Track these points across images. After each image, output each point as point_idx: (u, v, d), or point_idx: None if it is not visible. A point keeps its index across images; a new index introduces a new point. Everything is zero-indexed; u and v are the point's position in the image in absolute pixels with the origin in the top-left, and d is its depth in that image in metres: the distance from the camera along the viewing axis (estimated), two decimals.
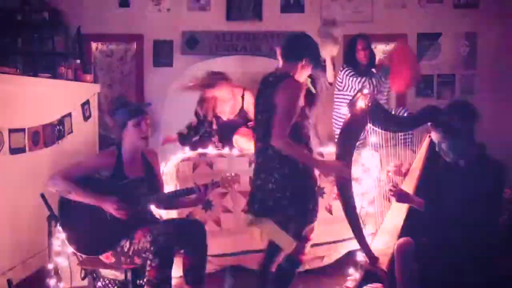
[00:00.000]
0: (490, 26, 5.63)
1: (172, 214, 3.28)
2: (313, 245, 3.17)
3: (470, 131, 2.57)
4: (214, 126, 4.13)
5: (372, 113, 2.72)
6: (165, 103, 5.27)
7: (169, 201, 2.94)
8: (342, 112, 3.87)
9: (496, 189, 2.56)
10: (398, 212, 2.89)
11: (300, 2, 5.66)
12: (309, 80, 2.82)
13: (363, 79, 4.02)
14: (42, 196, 2.75)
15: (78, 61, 4.48)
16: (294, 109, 2.59)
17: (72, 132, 3.91)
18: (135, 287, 2.74)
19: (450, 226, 2.53)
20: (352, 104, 2.73)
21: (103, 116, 4.46)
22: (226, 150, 3.64)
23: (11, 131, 3.20)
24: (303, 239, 2.76)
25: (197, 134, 4.14)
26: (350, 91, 4.04)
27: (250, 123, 4.00)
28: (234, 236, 3.49)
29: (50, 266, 2.85)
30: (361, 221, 2.87)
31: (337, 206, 3.19)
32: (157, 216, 3.04)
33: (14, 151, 3.23)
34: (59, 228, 2.74)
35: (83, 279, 2.83)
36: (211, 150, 3.62)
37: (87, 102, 4.20)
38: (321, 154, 3.31)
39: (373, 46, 4.40)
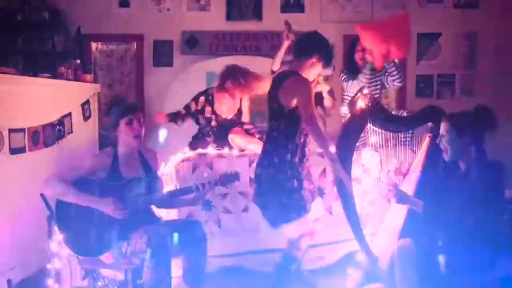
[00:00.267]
0: (490, 26, 5.63)
1: (173, 214, 3.28)
2: (313, 245, 3.18)
3: (482, 139, 2.56)
4: (213, 123, 4.15)
5: (372, 113, 2.72)
6: (165, 103, 5.28)
7: (168, 201, 2.93)
8: (342, 111, 3.87)
9: (496, 189, 2.56)
10: (398, 213, 2.89)
11: (300, 2, 5.67)
12: (321, 79, 2.86)
13: (353, 81, 4.04)
14: (42, 196, 2.74)
15: (78, 61, 4.47)
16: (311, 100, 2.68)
17: (72, 132, 3.90)
18: (135, 287, 2.74)
19: (449, 227, 2.53)
20: (352, 104, 2.73)
21: (103, 116, 4.46)
22: (226, 150, 3.64)
23: (11, 131, 3.20)
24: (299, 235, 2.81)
25: (183, 122, 4.21)
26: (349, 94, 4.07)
27: (245, 126, 4.05)
28: (234, 237, 3.49)
29: (50, 266, 2.85)
30: (361, 221, 2.87)
31: (337, 206, 3.19)
32: (158, 217, 3.03)
33: (14, 151, 3.23)
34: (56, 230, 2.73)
35: (83, 279, 2.83)
36: (211, 150, 3.62)
37: (87, 102, 4.19)
38: (321, 155, 3.32)
39: None
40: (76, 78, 4.21)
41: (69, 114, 3.89)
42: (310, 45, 2.82)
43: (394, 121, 2.91)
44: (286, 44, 3.49)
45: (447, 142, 2.57)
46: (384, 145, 3.00)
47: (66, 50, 5.38)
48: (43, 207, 2.75)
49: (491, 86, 5.57)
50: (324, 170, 3.52)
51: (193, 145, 3.91)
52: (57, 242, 2.82)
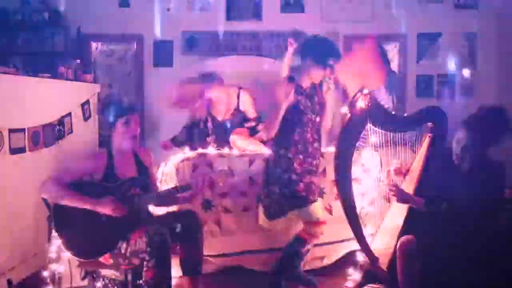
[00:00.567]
0: (490, 26, 5.63)
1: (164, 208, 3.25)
2: (313, 245, 3.19)
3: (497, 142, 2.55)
4: (210, 124, 4.13)
5: (372, 113, 2.72)
6: (165, 103, 5.27)
7: (162, 200, 2.90)
8: (342, 111, 3.87)
9: (496, 189, 2.56)
10: (398, 212, 2.89)
11: (300, 2, 5.66)
12: (326, 79, 2.92)
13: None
14: (44, 198, 2.74)
15: (78, 61, 4.48)
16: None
17: (72, 132, 3.90)
18: (135, 287, 2.74)
19: (450, 226, 2.53)
20: (352, 104, 2.73)
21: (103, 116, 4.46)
22: (226, 150, 3.63)
23: (11, 131, 3.20)
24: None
25: (191, 134, 4.19)
26: None
27: (247, 124, 4.02)
28: (234, 236, 3.49)
29: (50, 267, 2.84)
30: (361, 221, 2.87)
31: (337, 206, 3.19)
32: (154, 214, 3.00)
33: (14, 151, 3.23)
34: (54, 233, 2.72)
35: (83, 279, 2.82)
36: (211, 150, 3.61)
37: (87, 102, 4.19)
38: (322, 155, 3.32)
39: None
40: (76, 78, 4.21)
41: (69, 114, 3.89)
42: (304, 49, 3.01)
43: (394, 121, 2.91)
44: (290, 50, 3.62)
45: (465, 147, 2.55)
46: (384, 145, 3.00)
47: (66, 50, 5.38)
48: (43, 207, 2.75)
49: (491, 86, 5.56)
50: (324, 170, 3.52)
51: (186, 136, 3.93)
52: (57, 242, 2.81)
